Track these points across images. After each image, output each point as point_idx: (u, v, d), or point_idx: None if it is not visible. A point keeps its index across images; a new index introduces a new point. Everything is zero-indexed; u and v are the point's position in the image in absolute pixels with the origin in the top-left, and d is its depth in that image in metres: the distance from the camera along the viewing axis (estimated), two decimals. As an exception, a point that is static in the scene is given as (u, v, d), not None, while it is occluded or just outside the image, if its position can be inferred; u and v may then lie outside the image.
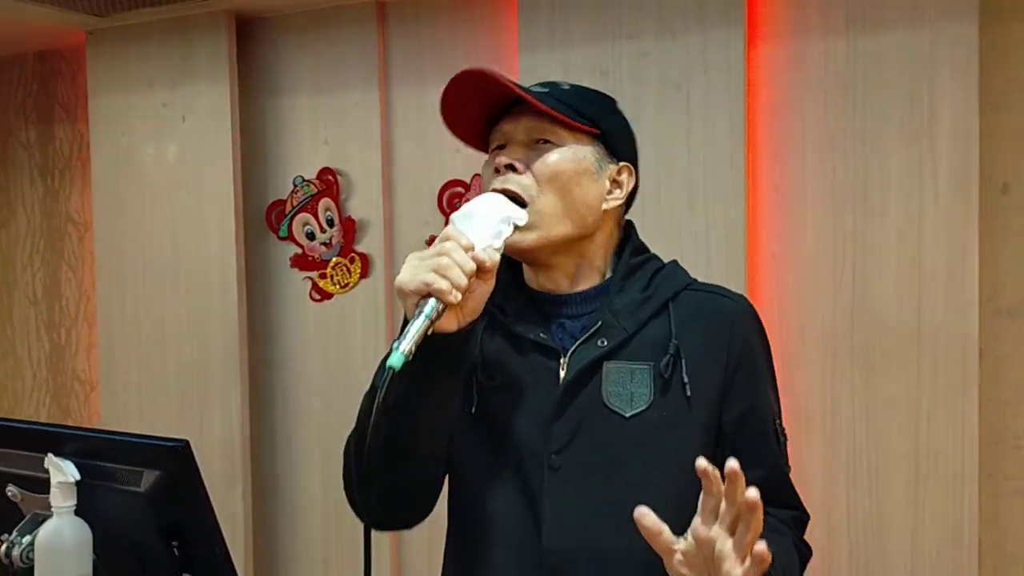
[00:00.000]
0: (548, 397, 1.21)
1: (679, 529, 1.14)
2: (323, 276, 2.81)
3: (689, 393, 1.20)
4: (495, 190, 1.21)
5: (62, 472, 1.28)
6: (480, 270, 1.11)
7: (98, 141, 3.01)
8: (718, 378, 1.23)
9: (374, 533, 1.18)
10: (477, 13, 2.61)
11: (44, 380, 3.39)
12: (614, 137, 1.27)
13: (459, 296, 1.08)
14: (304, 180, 2.81)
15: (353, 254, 2.77)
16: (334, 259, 2.79)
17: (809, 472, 2.24)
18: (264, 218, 2.87)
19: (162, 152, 2.91)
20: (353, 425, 1.28)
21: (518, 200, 1.20)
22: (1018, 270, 2.13)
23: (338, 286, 2.80)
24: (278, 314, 2.88)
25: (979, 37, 2.08)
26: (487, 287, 1.14)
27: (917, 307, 2.16)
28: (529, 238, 1.20)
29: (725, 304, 1.27)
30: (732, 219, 2.26)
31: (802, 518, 1.30)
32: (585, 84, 2.44)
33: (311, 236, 2.83)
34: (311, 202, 2.81)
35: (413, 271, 1.10)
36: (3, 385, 3.49)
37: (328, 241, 2.80)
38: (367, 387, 1.25)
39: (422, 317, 1.08)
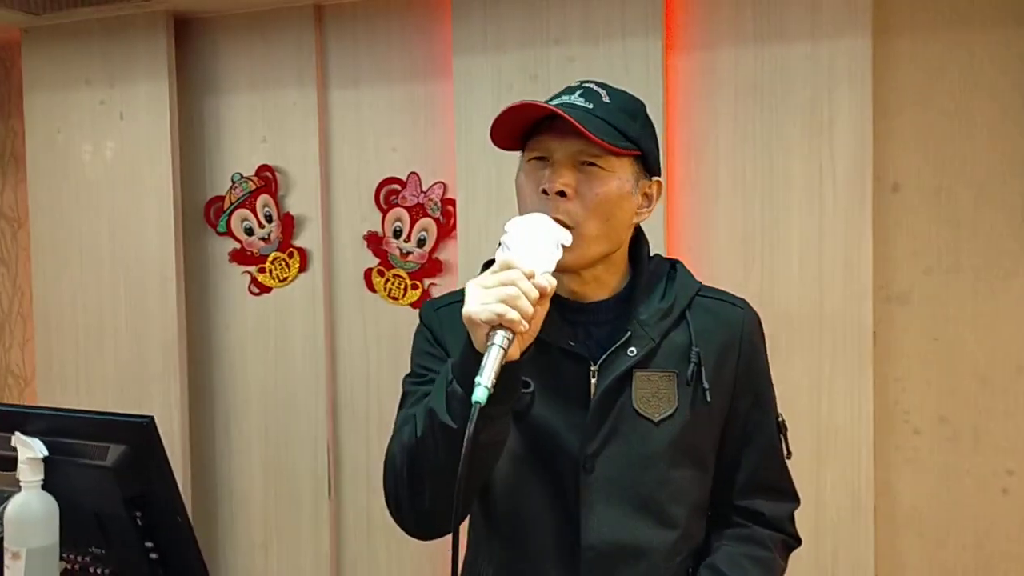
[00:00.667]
0: (581, 403, 1.28)
1: (695, 525, 1.32)
2: (262, 270, 2.90)
3: (709, 399, 1.30)
4: (540, 210, 1.24)
5: (30, 449, 1.36)
6: (541, 295, 1.12)
7: (34, 138, 3.03)
8: (730, 380, 1.33)
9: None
10: (412, 17, 2.73)
11: (-22, 377, 3.39)
12: (651, 155, 1.32)
13: (528, 325, 1.09)
14: (243, 177, 2.89)
15: (291, 249, 2.86)
16: (273, 254, 2.88)
17: (723, 448, 2.42)
18: (203, 214, 2.93)
19: (100, 149, 2.95)
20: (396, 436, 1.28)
21: (564, 226, 1.24)
22: (907, 262, 2.34)
23: (277, 280, 2.89)
24: (217, 307, 2.95)
25: (872, 50, 2.28)
26: (543, 311, 1.14)
27: (818, 296, 2.36)
28: (569, 257, 1.22)
29: (734, 312, 1.37)
30: (651, 214, 2.42)
31: (789, 513, 1.43)
32: (517, 87, 2.58)
33: (250, 231, 2.90)
34: (249, 198, 2.89)
35: (483, 302, 1.09)
36: (-67, 382, 3.47)
37: (267, 236, 2.88)
38: (413, 404, 1.27)
39: (496, 348, 1.07)
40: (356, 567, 2.85)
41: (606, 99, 1.29)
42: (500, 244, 1.18)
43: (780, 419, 1.41)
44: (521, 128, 1.30)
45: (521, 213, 1.29)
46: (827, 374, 2.36)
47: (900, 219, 2.34)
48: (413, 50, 2.73)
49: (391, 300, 2.78)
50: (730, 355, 1.33)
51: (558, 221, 1.22)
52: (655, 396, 1.28)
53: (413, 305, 2.75)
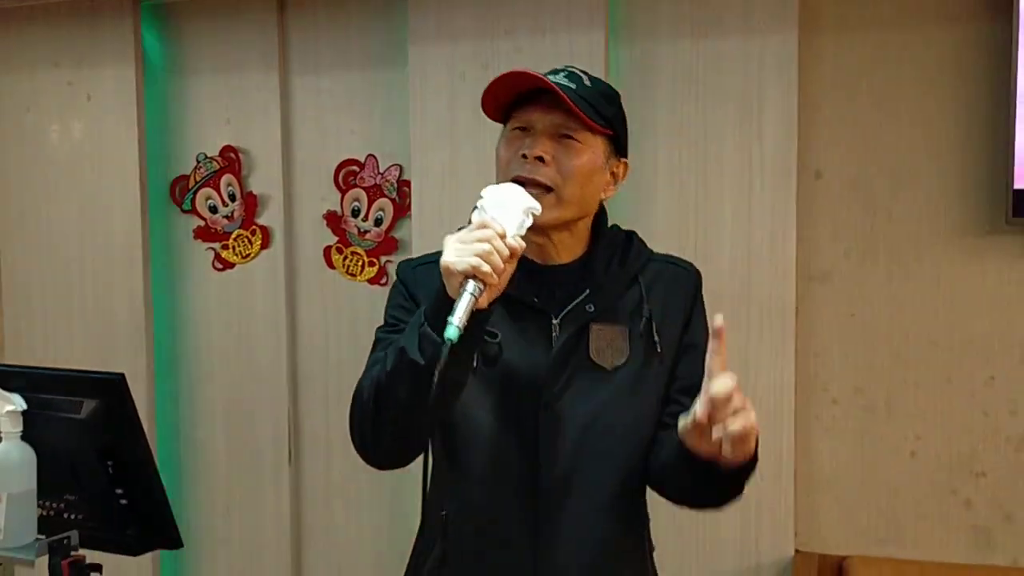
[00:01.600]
0: (543, 353, 1.42)
1: (641, 462, 1.47)
2: (225, 247, 3.02)
3: (659, 349, 1.46)
4: (522, 177, 1.37)
5: (10, 402, 1.49)
6: (511, 255, 1.25)
7: (3, 118, 3.11)
8: (677, 331, 1.49)
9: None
10: (371, 6, 2.84)
11: (-55, 349, 3.48)
12: (622, 137, 1.48)
13: (497, 278, 1.23)
14: (207, 157, 3.01)
15: (254, 226, 2.98)
16: (236, 231, 3.00)
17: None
18: (169, 192, 3.05)
19: (67, 129, 3.05)
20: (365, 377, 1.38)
21: (542, 186, 1.37)
22: (827, 243, 2.52)
23: (239, 256, 3.01)
24: (182, 282, 3.07)
25: (799, 45, 2.45)
26: (511, 268, 1.27)
27: (746, 274, 2.53)
28: (548, 216, 1.36)
29: (683, 274, 1.55)
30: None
31: None
32: (471, 76, 2.73)
33: (214, 210, 3.02)
34: (214, 178, 3.01)
35: (459, 255, 1.22)
36: (-99, 354, 3.55)
37: (230, 215, 3.01)
38: (386, 349, 1.37)
39: (468, 296, 1.21)
40: (314, 531, 3.00)
41: (587, 82, 1.43)
42: (476, 207, 1.31)
43: None
44: (506, 100, 1.44)
45: (499, 179, 1.43)
46: (753, 347, 2.54)
47: (822, 204, 2.52)
48: (371, 38, 2.86)
49: (349, 276, 2.92)
50: (677, 310, 1.49)
51: (536, 183, 1.37)
52: (609, 347, 1.43)
53: (370, 281, 2.89)
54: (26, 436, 1.50)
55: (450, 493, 1.47)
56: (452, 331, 1.19)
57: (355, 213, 2.90)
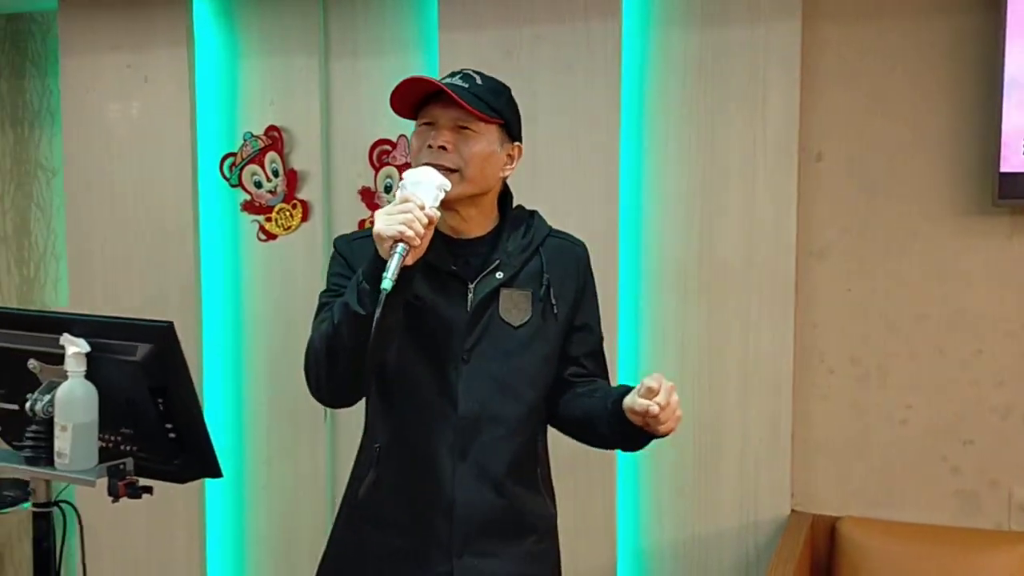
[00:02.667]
0: (460, 313, 1.69)
1: (540, 403, 1.76)
2: (268, 219, 3.25)
3: (556, 311, 1.74)
4: (431, 163, 1.62)
5: (76, 345, 1.72)
6: (428, 223, 1.52)
7: (68, 97, 3.39)
8: (571, 298, 1.77)
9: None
10: (405, -4, 3.06)
11: (15, 310, 3.78)
12: (512, 124, 1.73)
13: (419, 241, 1.49)
14: (253, 135, 3.24)
15: (295, 201, 3.21)
16: (278, 205, 3.24)
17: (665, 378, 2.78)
18: (218, 168, 3.29)
19: (126, 108, 3.31)
20: (315, 332, 1.69)
21: (448, 169, 1.62)
22: (826, 221, 2.67)
23: (282, 228, 3.25)
24: (229, 251, 3.31)
25: (802, 34, 2.60)
26: (430, 234, 1.54)
27: (749, 250, 2.69)
28: (454, 191, 1.62)
29: (576, 249, 1.81)
30: (608, 176, 2.76)
31: None
32: (494, 63, 2.95)
33: (258, 185, 3.26)
34: (259, 155, 3.24)
35: (387, 223, 1.49)
36: (-24, 314, 3.86)
37: (273, 189, 3.24)
38: (326, 310, 1.68)
39: (397, 256, 1.48)
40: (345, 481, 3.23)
41: (479, 81, 1.69)
42: (399, 187, 1.59)
43: (598, 334, 1.84)
44: (413, 101, 1.70)
45: (414, 165, 1.69)
46: (754, 319, 2.70)
47: (822, 185, 2.67)
48: (404, 26, 3.06)
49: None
50: (571, 280, 1.77)
51: (443, 167, 1.62)
52: (515, 308, 1.70)
53: (401, 253, 3.10)
54: (89, 375, 1.72)
55: (384, 429, 1.76)
56: (387, 283, 1.46)
57: (387, 189, 3.11)
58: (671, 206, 2.77)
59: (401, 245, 1.48)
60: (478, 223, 1.74)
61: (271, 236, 3.26)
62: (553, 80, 2.80)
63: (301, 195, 3.21)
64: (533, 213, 1.82)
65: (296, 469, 3.27)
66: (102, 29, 3.30)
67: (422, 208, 1.52)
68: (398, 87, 1.68)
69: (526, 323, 1.70)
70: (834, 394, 2.70)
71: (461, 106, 1.62)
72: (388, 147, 3.10)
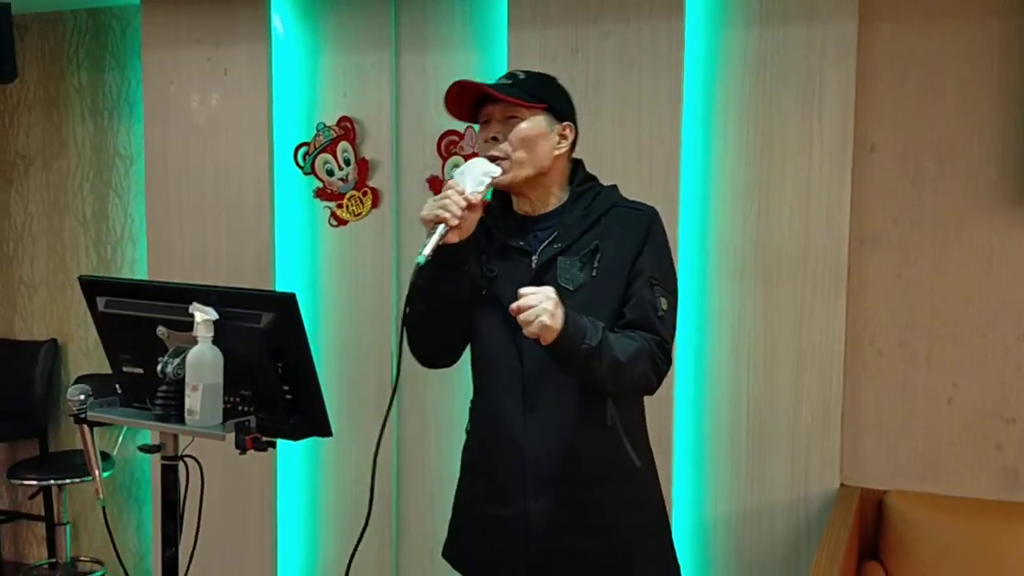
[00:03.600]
0: (525, 280, 1.84)
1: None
2: (340, 206, 3.43)
3: (608, 274, 1.83)
4: (487, 156, 1.83)
5: (206, 313, 1.89)
6: (469, 206, 1.75)
7: (150, 89, 3.58)
8: (630, 258, 1.84)
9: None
10: (473, -6, 3.22)
11: (91, 291, 3.98)
12: (557, 106, 1.88)
13: (456, 221, 1.73)
14: (326, 126, 3.42)
15: (366, 188, 3.39)
16: (349, 192, 3.41)
17: (722, 359, 2.94)
18: (292, 156, 3.47)
19: (206, 99, 3.50)
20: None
21: (498, 159, 1.82)
22: (879, 211, 2.82)
23: (352, 215, 3.42)
24: (302, 236, 3.49)
25: (857, 33, 2.74)
26: (475, 216, 1.78)
27: (804, 238, 2.84)
28: (507, 177, 1.83)
29: (640, 214, 1.90)
30: (669, 167, 2.91)
31: (661, 344, 1.85)
32: (559, 61, 3.10)
33: (330, 173, 3.44)
34: (331, 144, 3.42)
35: (429, 208, 1.76)
36: (53, 295, 4.07)
37: (345, 177, 3.42)
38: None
39: (436, 235, 1.73)
40: (413, 453, 3.41)
41: (522, 77, 1.88)
42: (451, 176, 1.81)
43: (657, 282, 1.86)
44: (468, 103, 1.89)
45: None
46: (808, 303, 2.85)
47: (874, 176, 2.81)
48: (473, 22, 3.22)
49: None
50: (631, 242, 1.85)
51: (494, 157, 1.83)
52: (571, 274, 1.85)
53: (467, 238, 3.27)
54: (216, 341, 1.89)
55: (475, 389, 1.99)
56: (420, 258, 1.72)
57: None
58: (730, 196, 2.92)
59: (441, 226, 1.72)
60: (545, 201, 1.91)
61: (342, 222, 3.43)
62: (618, 76, 2.95)
63: (371, 183, 3.38)
64: (605, 188, 1.95)
65: (364, 446, 3.45)
66: (183, 24, 3.49)
67: (461, 193, 1.74)
68: (448, 92, 1.86)
69: (581, 287, 1.83)
70: (883, 375, 2.84)
71: (502, 99, 1.82)
72: (456, 137, 3.27)
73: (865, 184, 2.82)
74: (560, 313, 1.68)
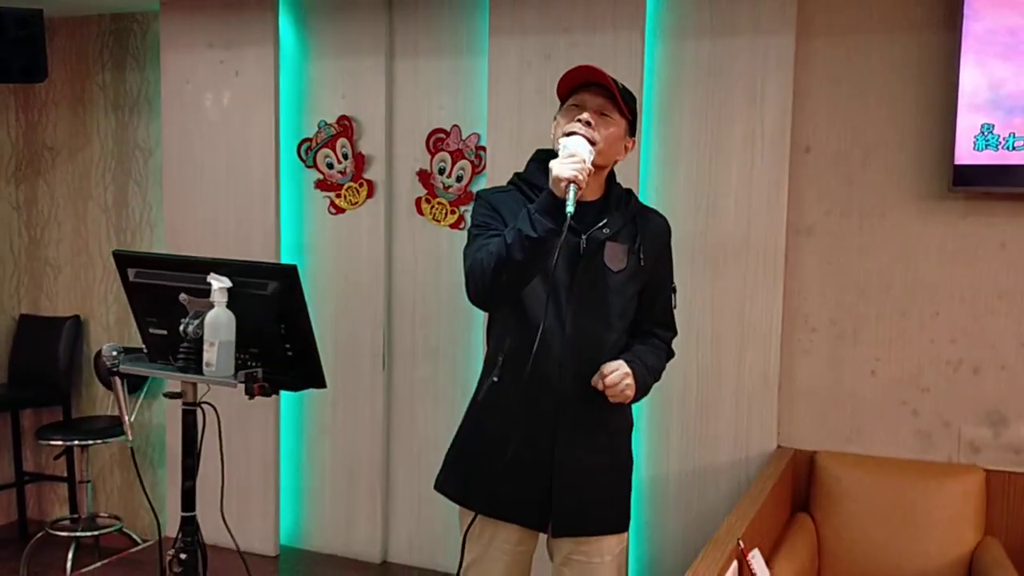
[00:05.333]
0: (573, 257, 2.10)
1: (625, 333, 2.22)
2: (339, 196, 3.80)
3: (643, 263, 2.16)
4: (569, 132, 2.02)
5: (221, 281, 2.26)
6: (589, 172, 1.97)
7: (168, 87, 3.95)
8: (654, 258, 2.20)
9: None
10: (460, 4, 3.57)
11: (112, 272, 4.35)
12: (634, 122, 2.18)
13: (585, 184, 1.94)
14: (326, 123, 3.78)
15: (362, 180, 3.76)
16: (347, 184, 3.78)
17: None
18: (296, 151, 3.84)
19: (219, 98, 3.87)
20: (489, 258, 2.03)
21: (589, 140, 2.01)
22: (812, 204, 3.17)
23: (349, 204, 3.79)
24: (304, 223, 3.87)
25: (795, 46, 3.10)
26: (589, 181, 1.99)
27: (747, 228, 3.20)
28: (591, 161, 2.01)
29: (661, 220, 2.26)
30: (628, 164, 3.23)
31: (670, 336, 2.31)
32: (534, 65, 3.43)
33: (330, 166, 3.81)
34: (331, 140, 3.79)
35: (564, 169, 1.91)
36: (77, 275, 4.45)
37: (343, 170, 3.78)
38: (511, 237, 1.99)
39: (573, 191, 1.90)
40: (402, 423, 3.78)
41: (621, 86, 2.13)
42: (561, 146, 2.01)
43: (674, 287, 2.30)
44: (571, 85, 2.12)
45: (556, 137, 2.07)
46: (750, 286, 3.22)
47: (809, 173, 3.17)
48: (459, 31, 3.58)
49: (434, 222, 3.67)
50: (657, 244, 2.21)
51: (591, 138, 2.03)
52: (615, 256, 2.14)
53: (451, 226, 3.64)
54: (229, 305, 2.25)
55: (510, 341, 2.18)
56: (570, 207, 1.90)
57: (441, 171, 3.65)
58: (681, 189, 3.28)
59: (574, 187, 1.91)
60: (593, 190, 2.14)
61: (340, 210, 3.80)
62: (585, 81, 3.31)
63: (367, 175, 3.74)
64: (629, 190, 2.28)
65: (357, 411, 3.83)
66: (199, 29, 3.85)
67: (583, 162, 1.96)
68: (576, 70, 2.10)
69: (623, 269, 2.13)
70: (815, 349, 3.21)
71: (610, 97, 2.06)
72: (443, 135, 3.64)
73: (801, 180, 3.17)
74: (632, 380, 2.09)
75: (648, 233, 2.21)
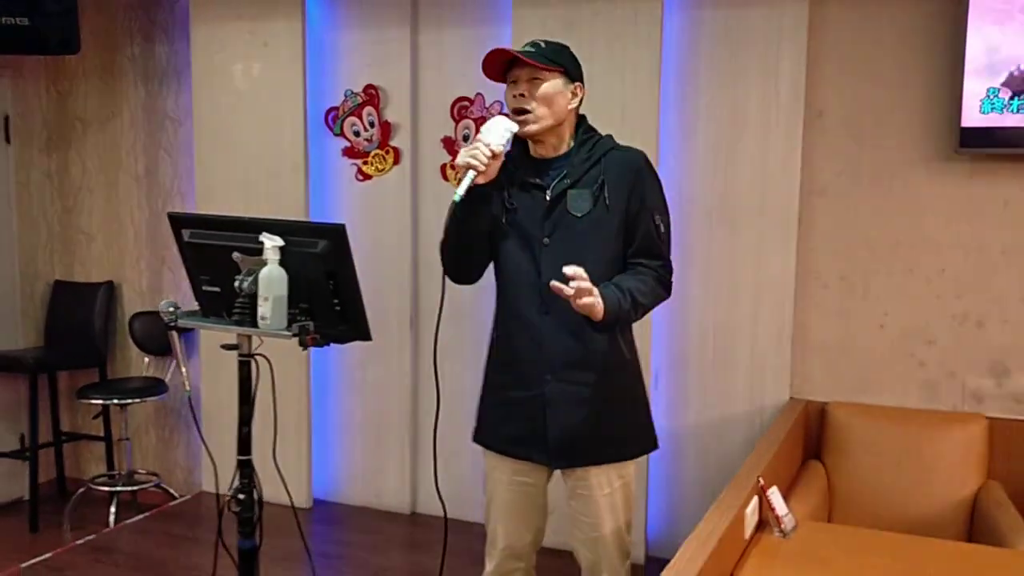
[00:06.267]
0: (540, 210, 2.30)
1: (602, 271, 2.29)
2: (365, 163, 3.94)
3: (608, 203, 2.27)
4: (513, 109, 2.25)
5: (273, 240, 2.41)
6: (493, 155, 2.18)
7: (198, 58, 4.08)
8: (625, 194, 2.30)
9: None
10: (482, -23, 3.71)
11: (144, 239, 4.51)
12: (570, 70, 2.29)
13: (483, 168, 2.17)
14: (353, 92, 3.92)
15: (388, 147, 3.90)
16: (374, 151, 3.92)
17: (693, 292, 3.47)
18: (323, 119, 3.97)
19: (248, 68, 4.00)
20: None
21: (526, 112, 2.22)
22: (825, 166, 3.31)
23: (376, 170, 3.93)
24: (332, 190, 4.01)
25: (808, 14, 3.23)
26: (497, 163, 2.22)
27: (763, 190, 3.35)
28: (532, 128, 2.25)
29: (630, 155, 2.33)
30: (647, 131, 3.41)
31: (664, 266, 2.38)
32: (556, 34, 3.57)
33: (357, 134, 3.94)
34: (358, 109, 3.92)
35: (462, 156, 2.19)
36: (110, 242, 4.59)
37: (370, 138, 3.92)
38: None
39: (467, 178, 2.18)
40: (428, 380, 3.95)
41: (543, 46, 2.28)
42: (480, 130, 2.24)
43: (656, 215, 2.34)
44: (500, 67, 2.30)
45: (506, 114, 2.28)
46: (766, 245, 3.37)
47: (822, 137, 3.31)
48: (481, 3, 3.71)
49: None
50: (625, 179, 2.29)
51: (520, 109, 2.24)
52: (578, 203, 2.28)
53: (476, 190, 3.78)
54: (282, 262, 2.41)
55: (499, 299, 2.42)
56: (457, 196, 2.18)
57: (465, 138, 3.79)
58: (699, 152, 3.43)
59: (470, 172, 2.18)
60: (557, 147, 2.33)
61: (367, 177, 3.94)
62: (607, 47, 3.44)
63: (393, 143, 3.88)
64: (601, 136, 2.39)
65: (386, 370, 3.99)
66: (228, 1, 3.97)
67: (488, 145, 2.18)
68: (486, 57, 2.27)
69: (588, 213, 2.27)
70: (827, 304, 3.37)
71: (529, 64, 2.23)
72: (467, 103, 3.77)
73: (814, 144, 3.32)
74: (598, 295, 2.12)
75: (612, 172, 2.30)
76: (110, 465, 4.57)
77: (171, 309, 2.53)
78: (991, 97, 2.99)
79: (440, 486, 3.96)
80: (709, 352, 3.49)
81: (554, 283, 2.11)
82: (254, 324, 2.41)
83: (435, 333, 2.43)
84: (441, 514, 3.96)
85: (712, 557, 2.03)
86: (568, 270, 2.09)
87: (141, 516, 4.03)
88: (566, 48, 2.35)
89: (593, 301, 2.12)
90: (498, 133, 2.22)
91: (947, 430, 3.17)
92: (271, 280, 2.39)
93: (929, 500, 3.12)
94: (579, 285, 2.09)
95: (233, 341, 2.52)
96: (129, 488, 4.37)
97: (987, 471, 3.15)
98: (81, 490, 4.35)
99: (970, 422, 3.17)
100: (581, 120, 2.39)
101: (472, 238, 2.33)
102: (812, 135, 3.31)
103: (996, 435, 3.16)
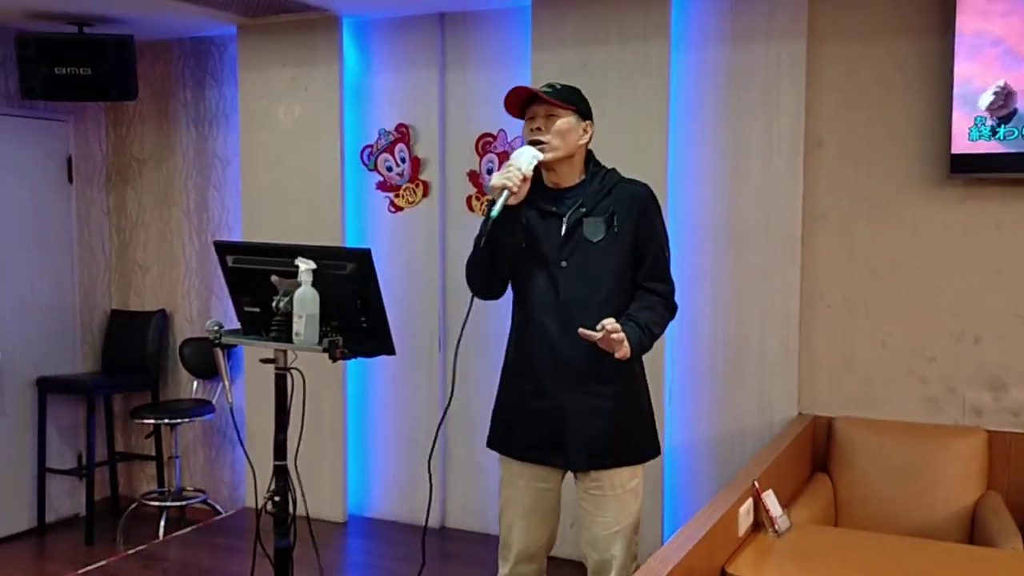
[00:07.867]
0: (558, 235, 2.51)
1: (616, 294, 2.50)
2: (397, 196, 4.22)
3: (617, 230, 2.49)
4: (530, 141, 2.47)
5: (307, 264, 2.66)
6: (524, 178, 2.39)
7: (245, 102, 4.40)
8: (633, 222, 2.52)
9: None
10: (505, 23, 3.97)
11: (194, 269, 4.83)
12: (582, 109, 2.52)
13: (516, 189, 2.36)
14: (386, 131, 4.20)
15: (418, 181, 4.17)
16: (405, 184, 4.20)
17: (702, 310, 3.66)
18: (359, 156, 4.27)
19: (290, 111, 4.31)
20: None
21: (542, 143, 2.46)
22: (825, 192, 3.50)
23: (407, 203, 4.20)
24: (367, 220, 4.29)
25: (807, 50, 3.45)
26: (526, 187, 2.41)
27: (766, 214, 3.55)
28: (548, 156, 2.45)
29: (636, 188, 2.57)
30: (657, 160, 3.63)
31: (669, 286, 2.60)
32: (572, 74, 3.83)
33: (389, 169, 4.22)
34: (390, 146, 4.21)
35: (498, 178, 2.39)
36: (163, 273, 4.92)
37: (401, 172, 4.20)
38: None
39: (502, 198, 2.37)
40: (457, 399, 4.14)
41: (558, 87, 2.53)
42: (510, 158, 2.47)
43: (661, 245, 2.57)
44: (520, 104, 2.53)
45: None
46: (770, 267, 3.56)
47: (822, 165, 3.51)
48: (504, 46, 3.98)
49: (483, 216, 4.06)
50: (633, 211, 2.52)
51: (539, 143, 2.48)
52: (594, 230, 2.49)
53: (500, 220, 4.03)
54: (314, 284, 2.65)
55: (517, 314, 2.62)
56: (494, 212, 2.37)
57: (489, 172, 4.04)
58: (707, 180, 3.64)
59: (505, 192, 2.37)
60: (569, 177, 2.55)
61: (398, 209, 4.22)
62: (619, 85, 3.68)
63: (423, 176, 4.16)
64: (610, 169, 2.63)
65: (416, 390, 4.23)
66: (272, 49, 4.31)
67: (519, 170, 2.40)
68: (508, 93, 2.54)
69: (602, 239, 2.49)
70: (831, 324, 3.53)
71: (548, 102, 2.48)
72: (490, 138, 4.03)
73: (814, 171, 3.51)
74: (627, 342, 2.36)
75: (622, 203, 2.52)
76: (160, 482, 4.86)
77: (216, 328, 2.80)
78: (978, 125, 3.16)
79: (467, 499, 4.19)
80: (719, 369, 3.67)
81: (583, 331, 2.35)
82: (289, 339, 2.65)
83: (458, 339, 2.68)
84: (471, 529, 4.19)
85: (701, 547, 2.22)
86: (607, 323, 2.34)
87: (188, 529, 4.30)
88: (578, 90, 2.59)
89: (625, 351, 2.38)
90: (527, 160, 2.44)
91: (948, 443, 3.31)
92: (305, 300, 2.63)
93: (931, 509, 3.25)
94: (613, 337, 2.33)
95: (271, 356, 2.78)
96: (178, 504, 4.65)
97: (987, 482, 3.27)
98: (133, 506, 4.64)
99: (970, 435, 3.30)
100: (590, 155, 2.62)
101: (506, 250, 2.51)
102: (812, 163, 3.51)
103: (995, 447, 3.29)
